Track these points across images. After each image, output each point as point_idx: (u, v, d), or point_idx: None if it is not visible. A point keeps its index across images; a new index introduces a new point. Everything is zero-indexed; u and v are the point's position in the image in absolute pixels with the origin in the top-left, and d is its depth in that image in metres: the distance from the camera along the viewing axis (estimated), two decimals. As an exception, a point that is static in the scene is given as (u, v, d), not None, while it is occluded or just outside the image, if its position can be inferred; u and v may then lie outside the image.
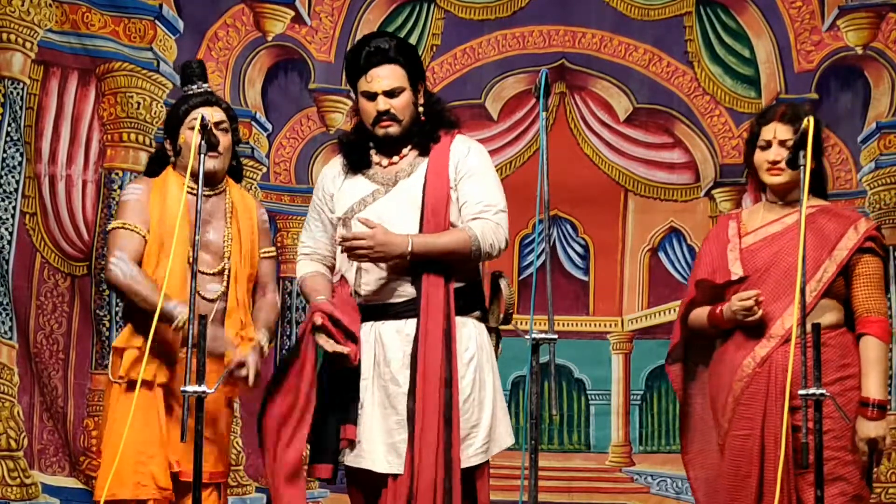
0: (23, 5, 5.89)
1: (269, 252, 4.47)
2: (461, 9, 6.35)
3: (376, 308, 4.10)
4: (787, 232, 4.06)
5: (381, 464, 4.03)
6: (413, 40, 6.30)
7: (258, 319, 4.37)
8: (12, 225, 5.87)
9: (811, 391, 3.56)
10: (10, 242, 5.85)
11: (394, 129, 4.10)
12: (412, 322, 4.05)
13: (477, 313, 4.16)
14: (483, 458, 4.07)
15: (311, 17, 6.31)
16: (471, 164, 4.10)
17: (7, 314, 5.81)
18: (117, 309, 5.93)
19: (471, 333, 4.10)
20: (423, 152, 4.13)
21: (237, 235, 4.32)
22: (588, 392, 6.30)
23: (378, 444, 4.03)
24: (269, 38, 6.31)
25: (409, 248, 3.98)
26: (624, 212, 6.37)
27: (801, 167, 3.77)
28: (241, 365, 4.18)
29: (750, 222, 4.19)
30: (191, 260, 4.12)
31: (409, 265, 4.03)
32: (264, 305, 4.42)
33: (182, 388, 3.72)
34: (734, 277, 4.09)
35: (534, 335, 3.58)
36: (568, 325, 6.29)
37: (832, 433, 3.92)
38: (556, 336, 3.57)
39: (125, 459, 3.98)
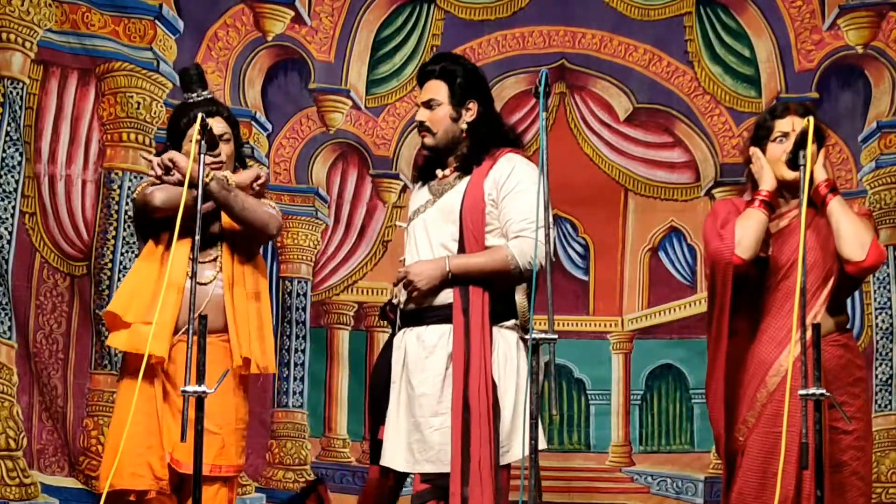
0: (23, 5, 5.88)
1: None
2: (461, 9, 6.35)
3: (408, 315, 4.32)
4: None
5: (400, 462, 4.23)
6: (413, 40, 6.31)
7: None
8: (12, 225, 5.86)
9: (811, 391, 3.57)
10: (9, 242, 5.84)
11: (428, 140, 4.38)
12: (431, 329, 4.25)
13: (509, 322, 4.28)
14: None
15: (311, 17, 6.31)
16: (514, 182, 4.27)
17: (6, 314, 5.80)
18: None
19: (497, 343, 4.23)
20: (466, 170, 4.35)
21: (231, 224, 4.36)
22: (588, 392, 6.30)
23: (400, 443, 4.23)
24: (269, 38, 6.31)
25: (448, 269, 4.21)
26: (624, 211, 6.36)
27: (802, 167, 3.78)
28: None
29: None
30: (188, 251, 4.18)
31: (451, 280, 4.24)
32: None
33: (182, 389, 3.73)
34: (762, 255, 4.08)
35: (534, 335, 3.63)
36: (568, 325, 6.29)
37: (857, 432, 4.00)
38: (556, 336, 3.63)
39: (124, 450, 4.00)
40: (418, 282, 4.21)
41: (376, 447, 4.33)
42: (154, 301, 4.11)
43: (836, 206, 4.01)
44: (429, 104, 4.36)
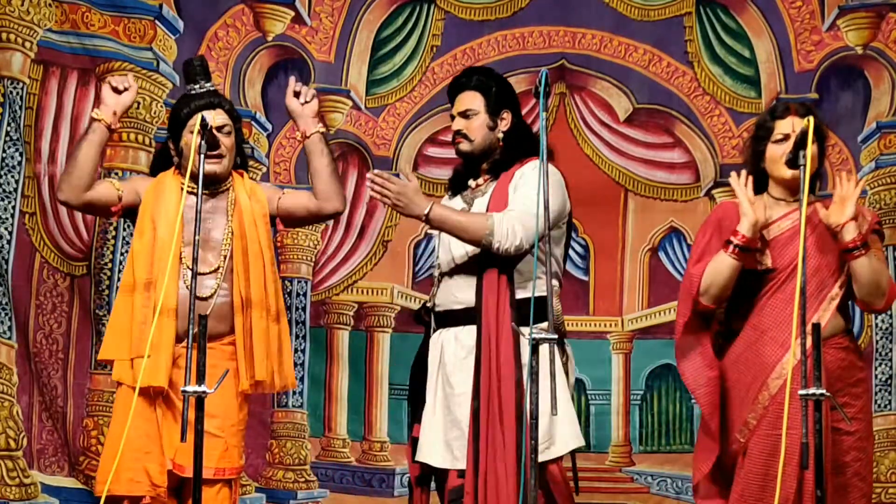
0: (23, 5, 5.89)
1: (287, 191, 4.51)
2: (461, 9, 6.36)
3: (443, 315, 4.44)
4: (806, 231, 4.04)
5: (438, 458, 4.35)
6: (413, 41, 6.31)
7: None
8: (12, 225, 5.86)
9: (811, 391, 3.56)
10: (9, 242, 5.85)
11: (464, 146, 4.51)
12: (468, 329, 4.35)
13: (541, 324, 4.26)
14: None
15: (311, 17, 6.31)
16: (526, 178, 4.38)
17: (6, 314, 5.80)
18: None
19: (524, 345, 4.28)
20: (496, 176, 4.49)
21: (240, 232, 4.29)
22: (588, 392, 6.30)
23: (437, 440, 4.35)
24: (269, 38, 6.31)
25: (427, 212, 4.27)
26: (624, 212, 6.37)
27: (801, 167, 3.77)
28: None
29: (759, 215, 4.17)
30: (183, 257, 4.14)
31: (476, 273, 4.33)
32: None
33: (182, 388, 3.72)
34: (762, 268, 4.08)
35: (534, 335, 3.66)
36: (568, 325, 6.25)
37: (859, 433, 4.01)
38: (556, 336, 3.65)
39: (122, 456, 3.99)
40: (398, 198, 4.26)
41: (414, 445, 4.45)
42: (146, 332, 4.03)
43: (861, 260, 3.99)
44: (465, 114, 4.50)
